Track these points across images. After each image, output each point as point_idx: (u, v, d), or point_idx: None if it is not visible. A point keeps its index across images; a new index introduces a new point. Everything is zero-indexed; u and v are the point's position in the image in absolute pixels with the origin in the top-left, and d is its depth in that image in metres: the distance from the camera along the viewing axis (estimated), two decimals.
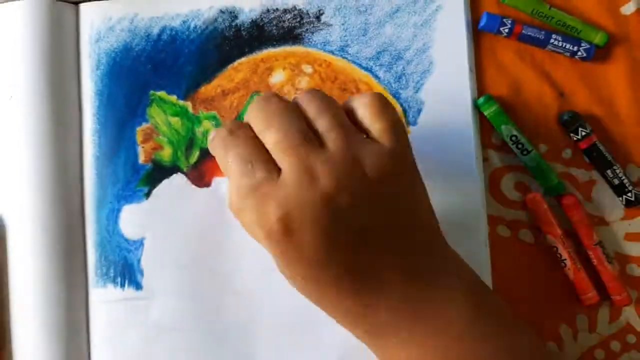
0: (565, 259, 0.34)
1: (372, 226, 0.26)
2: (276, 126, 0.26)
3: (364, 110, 0.28)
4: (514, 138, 0.34)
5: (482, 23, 0.35)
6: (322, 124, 0.27)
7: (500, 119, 0.35)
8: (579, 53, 0.35)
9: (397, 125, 0.28)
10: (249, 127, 0.28)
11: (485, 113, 0.35)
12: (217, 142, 0.28)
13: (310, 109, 0.27)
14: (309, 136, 0.26)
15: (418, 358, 0.27)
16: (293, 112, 0.27)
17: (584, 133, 0.34)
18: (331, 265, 0.26)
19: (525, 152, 0.34)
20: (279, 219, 0.25)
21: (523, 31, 0.35)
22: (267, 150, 0.27)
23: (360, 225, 0.26)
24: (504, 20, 0.35)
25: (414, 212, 0.28)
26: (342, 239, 0.25)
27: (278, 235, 0.25)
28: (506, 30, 0.35)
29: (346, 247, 0.26)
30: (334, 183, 0.25)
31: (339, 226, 0.25)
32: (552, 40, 0.35)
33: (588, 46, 0.35)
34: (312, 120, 0.27)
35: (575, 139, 0.35)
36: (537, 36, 0.35)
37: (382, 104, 0.28)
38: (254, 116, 0.28)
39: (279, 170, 0.26)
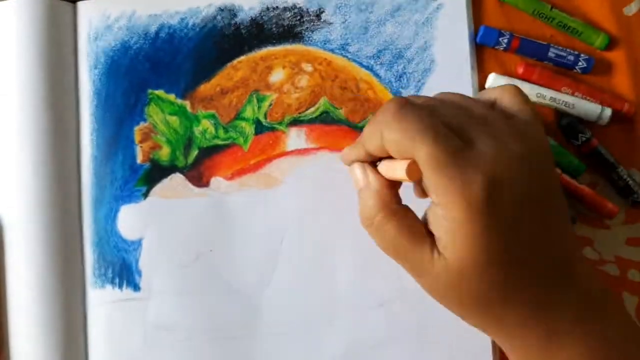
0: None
1: (552, 192, 0.26)
2: (445, 109, 0.26)
3: (511, 97, 0.28)
4: None
5: (480, 37, 0.35)
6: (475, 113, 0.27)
7: None
8: (580, 64, 0.35)
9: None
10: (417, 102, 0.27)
11: None
12: (393, 107, 0.26)
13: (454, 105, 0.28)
14: (474, 119, 0.26)
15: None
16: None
17: (584, 138, 0.34)
18: (524, 227, 0.25)
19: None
20: (485, 187, 0.24)
21: (521, 45, 0.35)
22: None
23: (545, 187, 0.26)
24: (502, 33, 0.35)
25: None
26: (535, 200, 0.25)
27: (482, 202, 0.24)
28: (505, 42, 0.35)
29: (539, 205, 0.25)
30: (523, 146, 0.25)
31: (534, 186, 0.25)
32: (550, 54, 0.35)
33: (587, 57, 0.35)
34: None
35: (575, 144, 0.34)
36: (535, 50, 0.35)
37: (523, 93, 0.28)
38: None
39: (470, 141, 0.25)
